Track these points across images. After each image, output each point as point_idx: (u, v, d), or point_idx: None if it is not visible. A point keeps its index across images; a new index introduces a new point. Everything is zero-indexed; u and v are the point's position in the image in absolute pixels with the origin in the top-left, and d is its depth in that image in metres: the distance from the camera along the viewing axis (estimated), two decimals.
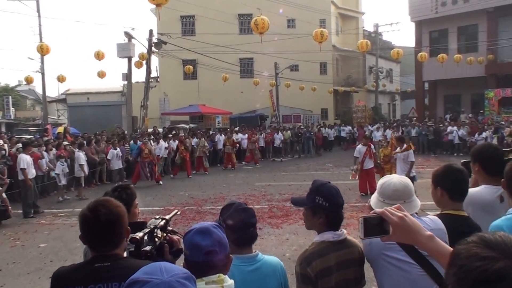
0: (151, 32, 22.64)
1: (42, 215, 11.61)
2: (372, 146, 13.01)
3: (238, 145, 22.04)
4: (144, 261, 2.00)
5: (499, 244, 1.00)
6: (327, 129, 28.57)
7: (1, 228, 10.34)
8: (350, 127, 30.74)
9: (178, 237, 2.27)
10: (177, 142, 19.24)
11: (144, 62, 23.42)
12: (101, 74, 24.94)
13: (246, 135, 23.08)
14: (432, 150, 24.54)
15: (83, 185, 14.36)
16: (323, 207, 2.48)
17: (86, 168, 14.32)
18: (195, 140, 20.33)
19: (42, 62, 28.45)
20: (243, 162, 22.43)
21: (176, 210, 2.59)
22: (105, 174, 17.22)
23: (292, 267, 7.01)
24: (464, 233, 2.35)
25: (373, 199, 2.51)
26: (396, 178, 2.44)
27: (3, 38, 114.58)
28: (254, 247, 2.43)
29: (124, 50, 22.73)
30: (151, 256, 2.06)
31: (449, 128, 23.74)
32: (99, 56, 21.86)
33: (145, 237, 2.07)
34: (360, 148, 12.71)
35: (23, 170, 11.23)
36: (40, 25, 28.52)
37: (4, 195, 10.85)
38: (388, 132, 24.31)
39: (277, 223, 9.63)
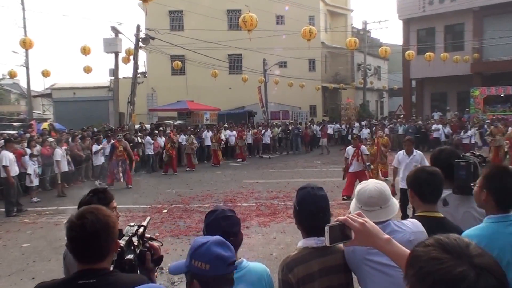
0: (138, 27, 22.35)
1: (25, 213, 11.40)
2: (363, 147, 12.13)
3: (223, 142, 21.99)
4: (132, 276, 1.94)
5: (454, 247, 1.08)
6: (315, 125, 28.54)
7: None
8: (338, 125, 30.74)
9: (158, 244, 2.20)
10: (164, 138, 19.12)
11: (131, 57, 23.14)
12: (87, 69, 24.64)
13: (234, 132, 23.01)
14: (418, 147, 24.67)
15: (59, 182, 13.98)
16: (295, 210, 2.49)
17: (62, 165, 13.99)
18: (182, 136, 20.18)
19: (27, 56, 28.05)
20: (238, 160, 22.35)
21: (149, 217, 2.51)
22: (91, 171, 17.00)
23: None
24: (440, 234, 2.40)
25: (352, 205, 2.50)
26: (371, 184, 2.42)
27: None
28: (242, 246, 2.37)
29: (111, 45, 22.43)
30: (135, 265, 1.99)
31: (434, 126, 23.91)
32: (85, 51, 21.57)
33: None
34: (349, 149, 12.08)
35: (5, 167, 11.01)
36: (24, 18, 28.10)
37: None
38: (364, 132, 24.51)
39: (265, 221, 9.57)
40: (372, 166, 12.78)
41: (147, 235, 2.19)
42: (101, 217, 1.84)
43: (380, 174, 13.95)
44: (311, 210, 2.41)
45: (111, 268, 1.92)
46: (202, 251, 1.76)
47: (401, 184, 8.56)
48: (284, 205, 11.18)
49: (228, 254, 1.76)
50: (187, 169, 19.29)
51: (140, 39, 22.31)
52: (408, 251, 1.69)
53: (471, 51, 29.28)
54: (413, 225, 2.40)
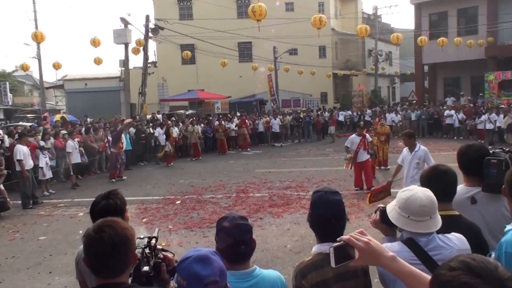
0: (147, 17, 22.33)
1: (41, 205, 11.53)
2: (368, 136, 11.76)
3: (234, 132, 22.17)
4: None
5: (484, 270, 1.04)
6: (326, 113, 28.38)
7: (0, 220, 10.27)
8: (349, 112, 30.54)
9: (171, 255, 2.19)
10: (176, 129, 19.19)
11: (141, 48, 23.13)
12: (98, 61, 24.66)
13: (234, 124, 23.03)
14: (432, 134, 24.48)
15: (71, 173, 14.12)
16: (309, 213, 2.45)
17: (74, 157, 14.07)
18: (189, 126, 20.23)
19: (38, 48, 28.22)
20: (240, 149, 22.41)
21: (158, 229, 2.50)
22: (105, 162, 17.12)
23: (294, 259, 7.05)
24: (459, 233, 2.33)
25: (393, 213, 2.30)
26: (421, 192, 2.25)
27: None
28: (256, 238, 2.34)
29: (121, 36, 22.44)
30: (152, 277, 1.98)
31: (447, 112, 23.57)
32: (95, 43, 21.58)
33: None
34: (353, 138, 11.49)
35: (19, 161, 11.11)
36: (35, 11, 28.18)
37: (1, 186, 10.75)
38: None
39: (278, 212, 9.55)
40: (375, 154, 12.63)
41: (158, 246, 2.19)
42: (119, 230, 1.80)
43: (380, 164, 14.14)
44: (323, 215, 2.36)
45: (130, 281, 1.90)
46: (183, 266, 1.70)
47: (405, 184, 7.60)
48: (297, 195, 11.17)
49: (206, 273, 1.64)
50: (193, 158, 19.39)
51: (150, 30, 22.28)
52: (414, 269, 1.69)
53: (485, 35, 28.72)
54: (459, 241, 2.28)
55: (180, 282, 1.68)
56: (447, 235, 2.28)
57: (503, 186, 2.44)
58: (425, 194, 2.24)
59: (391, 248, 2.21)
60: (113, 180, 14.57)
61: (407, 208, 2.21)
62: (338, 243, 1.70)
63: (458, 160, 3.26)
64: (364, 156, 11.33)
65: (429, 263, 2.14)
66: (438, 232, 2.26)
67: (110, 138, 15.91)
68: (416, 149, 7.92)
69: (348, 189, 11.38)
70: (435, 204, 2.23)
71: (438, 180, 2.70)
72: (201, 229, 8.49)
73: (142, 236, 2.15)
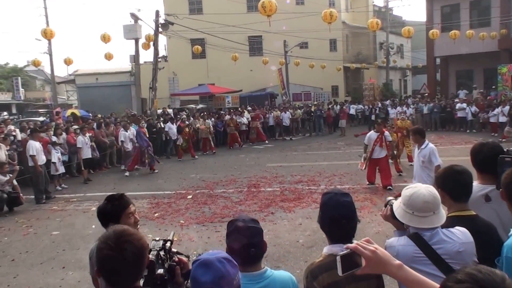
0: (157, 13, 22.29)
1: (53, 200, 11.62)
2: (387, 133, 11.17)
3: (245, 126, 22.09)
4: None
5: (490, 283, 1.04)
6: (337, 106, 28.22)
7: (14, 215, 10.35)
8: (361, 105, 30.32)
9: (186, 258, 2.18)
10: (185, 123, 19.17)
11: (151, 43, 23.16)
12: (108, 56, 24.76)
13: (245, 118, 22.95)
14: (444, 127, 24.23)
15: (82, 168, 14.20)
16: (320, 215, 2.45)
17: (85, 152, 14.15)
18: (200, 121, 20.16)
19: (49, 44, 28.37)
20: (250, 144, 22.38)
21: (173, 232, 2.48)
22: (115, 157, 17.20)
23: (306, 253, 7.02)
24: (476, 233, 2.34)
25: (399, 210, 2.39)
26: (424, 189, 2.33)
27: (10, 19, 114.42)
28: (268, 233, 2.34)
29: (131, 32, 22.49)
30: (166, 280, 1.97)
31: (458, 105, 23.24)
32: (105, 39, 21.66)
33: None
34: (370, 135, 11.11)
35: (32, 157, 11.20)
36: (45, 7, 28.33)
37: (15, 181, 10.85)
38: (391, 112, 24.05)
39: (290, 206, 9.52)
40: (396, 153, 11.96)
41: (174, 249, 2.18)
42: (136, 243, 1.78)
43: (407, 160, 13.49)
44: (333, 216, 2.36)
45: (141, 283, 1.89)
46: (192, 267, 1.74)
47: (414, 182, 7.26)
48: (309, 189, 11.13)
49: (204, 280, 1.66)
50: (205, 152, 19.40)
51: (160, 25, 22.28)
52: (421, 277, 1.70)
53: (498, 27, 28.36)
54: (462, 234, 2.33)
55: (187, 285, 1.76)
56: (451, 229, 2.34)
57: (501, 189, 2.46)
58: (428, 190, 2.31)
59: (398, 242, 2.35)
60: (127, 174, 14.81)
61: (411, 204, 2.30)
62: (345, 252, 1.71)
63: (471, 158, 3.26)
64: (380, 153, 10.84)
65: (433, 256, 2.23)
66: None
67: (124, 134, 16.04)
68: (423, 146, 7.51)
69: (360, 183, 11.31)
70: (438, 200, 2.31)
71: (454, 181, 2.71)
72: (212, 224, 8.50)
73: (157, 239, 2.13)
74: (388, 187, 10.62)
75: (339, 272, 1.69)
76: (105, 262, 1.76)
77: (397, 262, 1.71)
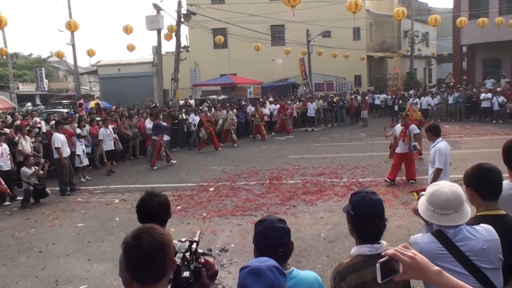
0: (179, 3, 22.32)
1: (78, 192, 11.79)
2: (412, 126, 10.62)
3: (267, 116, 21.86)
4: None
5: None
6: (359, 96, 27.86)
7: (40, 207, 10.54)
8: (384, 95, 29.87)
9: (212, 259, 2.17)
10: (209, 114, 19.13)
11: (173, 34, 23.19)
12: (131, 47, 24.91)
13: (278, 105, 22.81)
14: (469, 117, 23.68)
15: (105, 160, 14.35)
16: (350, 215, 2.43)
17: (107, 144, 14.24)
18: (223, 112, 19.99)
19: (72, 36, 28.65)
20: (273, 133, 22.27)
21: (199, 231, 2.45)
22: (138, 149, 17.34)
23: (327, 248, 6.99)
24: (506, 232, 2.31)
25: (422, 206, 2.42)
26: (447, 187, 2.32)
27: (32, 10, 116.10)
28: (289, 226, 2.36)
29: (153, 23, 22.53)
30: (191, 283, 1.96)
31: (483, 95, 22.62)
32: (127, 30, 21.77)
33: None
34: (397, 128, 10.82)
35: (57, 149, 11.37)
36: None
37: (41, 172, 11.01)
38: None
39: (311, 199, 9.47)
40: (418, 147, 11.12)
41: (200, 250, 2.16)
42: (156, 236, 1.78)
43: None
44: (368, 215, 2.35)
45: None
46: (240, 274, 1.74)
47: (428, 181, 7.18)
48: (331, 182, 11.04)
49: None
50: (224, 144, 19.27)
51: (182, 15, 22.29)
52: (461, 283, 1.69)
53: None
54: (486, 232, 2.29)
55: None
56: (475, 226, 2.32)
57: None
58: (451, 189, 2.30)
59: (421, 239, 2.36)
60: (155, 167, 14.69)
61: (433, 202, 2.32)
62: (384, 258, 1.69)
63: (503, 154, 3.17)
64: (405, 148, 10.46)
65: (457, 253, 2.22)
66: None
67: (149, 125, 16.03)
68: (433, 144, 7.13)
69: (382, 176, 11.13)
70: (460, 199, 2.28)
71: (482, 179, 2.63)
72: (235, 217, 8.51)
73: (183, 239, 2.12)
74: (411, 181, 10.42)
75: (379, 279, 1.68)
76: (124, 251, 1.80)
77: (437, 268, 1.69)
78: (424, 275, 1.68)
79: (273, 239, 2.20)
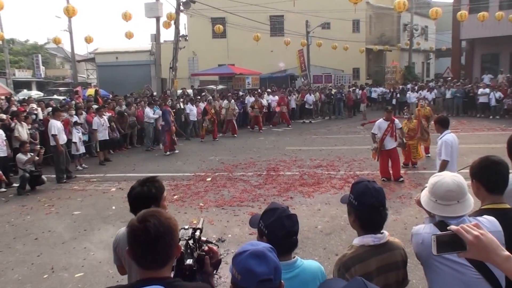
0: None
1: (74, 180, 11.73)
2: (397, 121, 10.40)
3: (264, 108, 21.81)
4: (195, 285, 1.90)
5: None
6: (358, 90, 27.82)
7: (36, 194, 10.50)
8: (382, 88, 29.83)
9: (216, 247, 2.15)
10: (205, 104, 19.04)
11: (172, 22, 23.03)
12: (129, 35, 24.70)
13: (276, 97, 22.75)
14: (466, 112, 23.68)
15: (97, 150, 14.34)
16: (353, 205, 2.42)
17: (102, 134, 14.15)
18: (225, 102, 19.98)
19: (70, 22, 28.37)
20: (270, 126, 22.22)
21: (203, 219, 2.43)
22: (136, 137, 17.29)
23: (324, 240, 6.99)
24: (509, 227, 2.29)
25: (424, 197, 2.41)
26: (449, 177, 2.32)
27: None
28: None
29: (152, 10, 22.39)
30: (195, 271, 1.94)
31: (481, 90, 22.63)
32: (126, 17, 21.59)
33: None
34: (380, 123, 10.29)
35: (54, 136, 11.30)
36: None
37: (36, 158, 10.93)
38: (412, 96, 23.53)
39: (309, 191, 9.47)
40: (405, 144, 11.03)
41: (203, 238, 2.14)
42: (163, 220, 1.75)
43: (423, 151, 12.33)
44: (372, 204, 2.35)
45: (172, 275, 1.86)
46: (239, 259, 1.67)
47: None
48: (328, 174, 11.05)
49: (261, 270, 1.60)
50: (220, 134, 19.24)
51: (181, 3, 22.13)
52: None
53: None
54: (490, 223, 2.28)
55: (235, 275, 1.66)
56: (478, 217, 2.31)
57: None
58: (453, 179, 2.29)
59: (423, 230, 2.36)
60: (167, 153, 15.12)
61: (434, 192, 2.31)
62: (443, 232, 1.65)
63: (508, 148, 3.17)
64: (391, 144, 10.21)
65: None
66: None
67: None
68: (440, 136, 6.97)
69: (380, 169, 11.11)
70: (462, 189, 2.27)
71: (489, 171, 2.60)
72: (231, 208, 8.50)
73: (186, 227, 2.10)
74: (400, 179, 10.16)
75: (434, 251, 1.63)
76: (129, 235, 1.77)
77: (506, 253, 1.61)
78: (489, 257, 1.62)
79: (288, 227, 2.19)
